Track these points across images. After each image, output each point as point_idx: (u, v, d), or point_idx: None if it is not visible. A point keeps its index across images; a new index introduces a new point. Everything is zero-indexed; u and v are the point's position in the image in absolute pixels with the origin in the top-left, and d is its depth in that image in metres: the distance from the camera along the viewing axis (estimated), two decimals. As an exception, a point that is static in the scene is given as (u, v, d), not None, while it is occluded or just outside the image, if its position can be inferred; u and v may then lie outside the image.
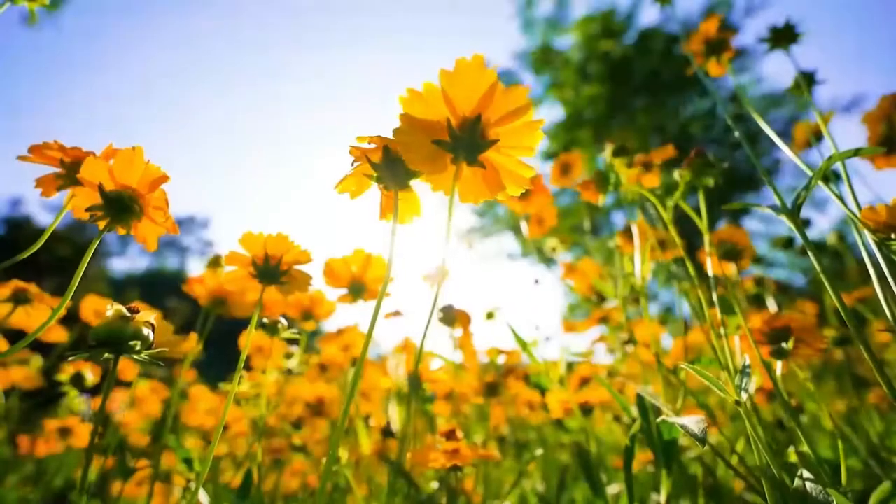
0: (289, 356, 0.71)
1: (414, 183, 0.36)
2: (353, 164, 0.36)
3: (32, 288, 0.52)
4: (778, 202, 0.47)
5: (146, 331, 0.33)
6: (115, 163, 0.34)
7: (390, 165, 0.34)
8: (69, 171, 0.40)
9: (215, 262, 0.70)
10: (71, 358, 0.31)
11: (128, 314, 0.32)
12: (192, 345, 0.66)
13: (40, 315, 0.52)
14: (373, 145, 0.34)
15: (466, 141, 0.33)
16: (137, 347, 0.32)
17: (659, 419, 0.51)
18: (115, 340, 0.31)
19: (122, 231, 0.36)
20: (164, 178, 0.35)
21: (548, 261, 1.24)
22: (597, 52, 8.19)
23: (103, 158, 0.37)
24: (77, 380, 0.76)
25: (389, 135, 0.32)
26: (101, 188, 0.35)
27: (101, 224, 0.35)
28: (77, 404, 0.95)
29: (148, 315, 0.33)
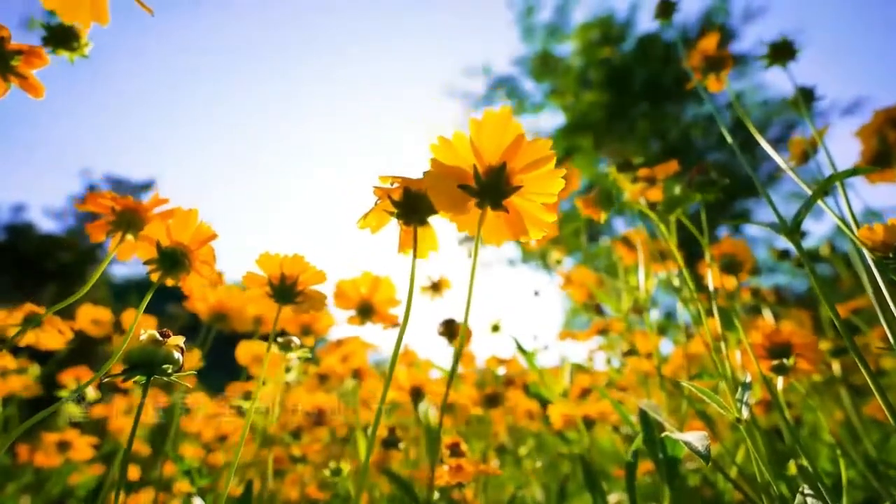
0: (288, 370, 0.72)
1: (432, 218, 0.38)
2: (375, 202, 0.38)
3: (43, 311, 0.53)
4: (777, 219, 0.47)
5: (177, 354, 0.34)
6: (174, 223, 0.39)
7: (410, 204, 0.36)
8: (120, 218, 0.44)
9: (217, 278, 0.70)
10: (106, 380, 0.32)
11: (160, 338, 0.34)
12: (195, 361, 0.67)
13: (49, 337, 0.53)
14: (395, 185, 0.36)
15: (491, 187, 0.35)
16: (169, 370, 0.34)
17: (662, 434, 0.51)
18: (148, 363, 0.33)
19: (170, 282, 0.41)
20: (213, 237, 0.40)
21: (548, 269, 1.24)
22: (596, 59, 8.23)
23: (151, 207, 0.42)
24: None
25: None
26: (158, 245, 0.39)
27: (155, 276, 0.40)
28: (76, 413, 0.95)
29: (178, 339, 0.35)
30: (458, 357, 0.35)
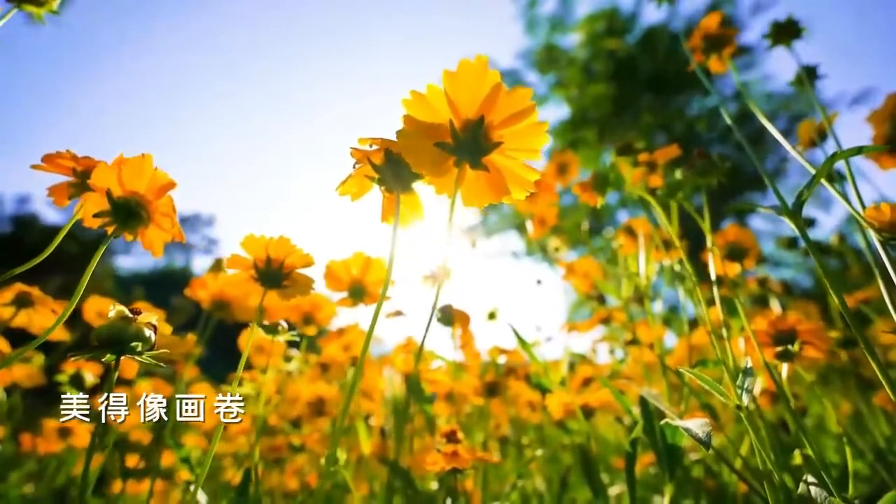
0: (288, 359, 0.71)
1: (416, 185, 0.35)
2: (354, 166, 0.35)
3: (35, 291, 0.52)
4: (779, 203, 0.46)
5: (148, 332, 0.33)
6: (124, 170, 0.35)
7: (392, 168, 0.34)
8: (81, 180, 0.40)
9: (218, 266, 0.70)
10: (73, 358, 0.31)
11: (129, 315, 0.32)
12: (191, 346, 0.67)
13: (42, 318, 0.52)
14: (374, 147, 0.34)
15: (469, 143, 0.32)
16: (139, 349, 0.32)
17: (663, 422, 0.50)
18: (116, 341, 0.31)
19: (129, 237, 0.37)
20: (172, 185, 0.35)
21: (550, 260, 1.23)
22: (601, 51, 8.15)
23: (114, 167, 0.37)
24: (76, 380, 0.76)
25: (392, 137, 0.32)
26: (108, 194, 0.35)
27: (109, 230, 0.36)
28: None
29: (150, 316, 0.33)
30: (428, 328, 0.34)
